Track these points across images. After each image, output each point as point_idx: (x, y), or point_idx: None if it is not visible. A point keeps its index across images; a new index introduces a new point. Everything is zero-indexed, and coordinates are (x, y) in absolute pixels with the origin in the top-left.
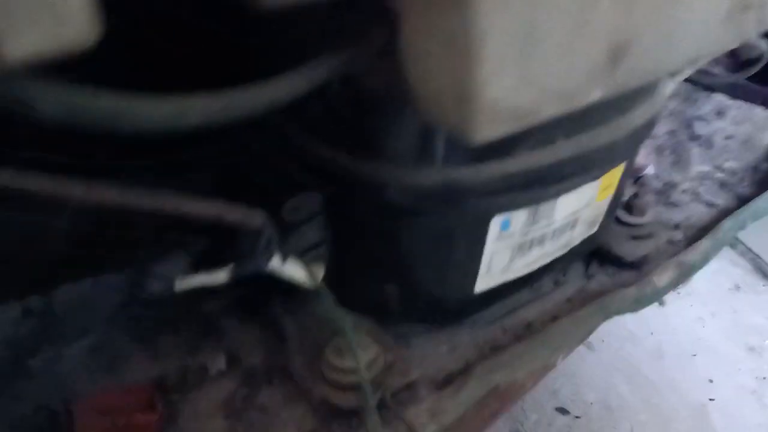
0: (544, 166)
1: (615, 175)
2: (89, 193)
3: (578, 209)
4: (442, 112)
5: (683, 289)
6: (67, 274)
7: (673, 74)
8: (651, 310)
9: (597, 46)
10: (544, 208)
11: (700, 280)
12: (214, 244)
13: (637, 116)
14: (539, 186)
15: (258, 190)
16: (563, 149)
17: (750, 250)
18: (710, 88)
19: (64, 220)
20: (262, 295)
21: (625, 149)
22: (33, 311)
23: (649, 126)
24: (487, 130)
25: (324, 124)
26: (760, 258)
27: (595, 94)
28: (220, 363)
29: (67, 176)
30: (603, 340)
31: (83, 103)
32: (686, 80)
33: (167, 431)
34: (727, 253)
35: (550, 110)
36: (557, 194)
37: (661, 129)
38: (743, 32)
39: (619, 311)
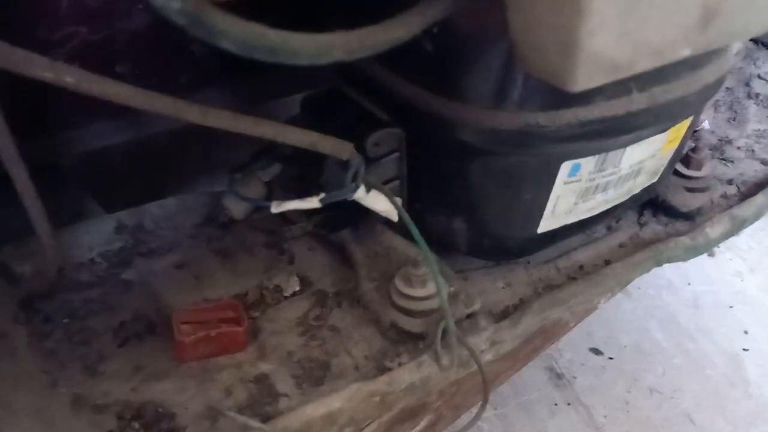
0: (617, 116)
1: (681, 129)
2: (204, 116)
3: (644, 159)
4: (544, 61)
5: (725, 244)
6: (155, 193)
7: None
8: (690, 262)
9: (691, 7)
10: (612, 156)
11: (741, 235)
12: (297, 172)
13: (708, 73)
14: (610, 135)
15: (342, 125)
16: (636, 101)
17: None
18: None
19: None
20: (339, 223)
21: (693, 105)
22: (126, 225)
23: (718, 83)
24: (586, 80)
25: (408, 63)
26: None
27: (685, 52)
28: (293, 284)
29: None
30: (639, 288)
31: (255, 37)
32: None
33: (251, 343)
34: None
35: (643, 65)
36: (626, 144)
37: None
38: None
39: (671, 259)
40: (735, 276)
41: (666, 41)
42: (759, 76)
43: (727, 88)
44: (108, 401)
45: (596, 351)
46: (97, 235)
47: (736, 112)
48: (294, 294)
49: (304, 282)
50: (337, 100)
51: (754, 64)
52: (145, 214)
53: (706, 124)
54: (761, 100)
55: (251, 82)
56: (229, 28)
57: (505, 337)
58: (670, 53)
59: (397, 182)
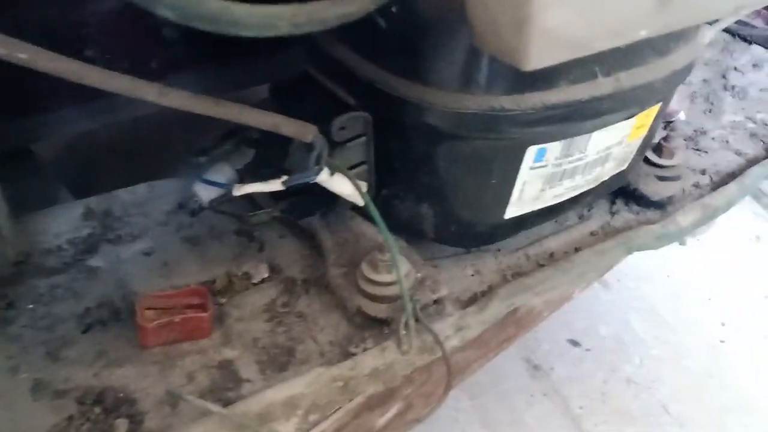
0: (583, 100)
1: (649, 115)
2: (163, 96)
3: (611, 145)
4: (498, 38)
5: (704, 237)
6: (124, 179)
7: (717, 20)
8: (670, 254)
9: None
10: (578, 141)
11: (721, 229)
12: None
13: (676, 59)
14: (576, 119)
15: (310, 109)
16: (602, 85)
17: None
18: (748, 40)
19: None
20: (306, 208)
21: (661, 91)
22: (94, 212)
23: (686, 70)
24: (540, 58)
25: (373, 46)
26: None
27: (643, 33)
28: (262, 272)
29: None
30: (619, 280)
31: (194, 4)
32: (725, 31)
33: (217, 330)
34: (750, 205)
35: (600, 44)
36: (592, 129)
37: (696, 77)
38: None
39: (642, 247)
40: (715, 268)
41: (623, 21)
42: (735, 68)
43: (703, 80)
44: (69, 386)
45: (574, 342)
46: (65, 221)
47: (712, 103)
48: (263, 281)
49: (274, 269)
50: (306, 84)
51: (731, 56)
52: (115, 201)
53: (682, 115)
54: (737, 92)
55: (225, 69)
56: None
57: (470, 323)
58: (627, 33)
59: (364, 167)
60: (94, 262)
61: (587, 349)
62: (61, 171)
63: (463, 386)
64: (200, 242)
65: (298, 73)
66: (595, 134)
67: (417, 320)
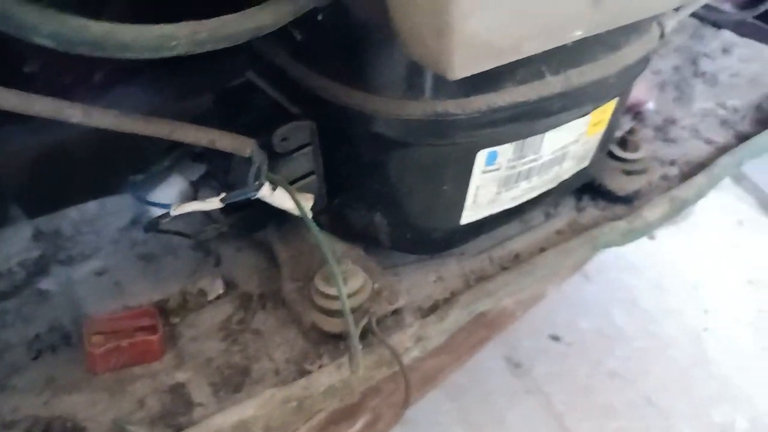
0: (531, 101)
1: (606, 111)
2: (88, 116)
3: (567, 144)
4: (422, 47)
5: (687, 224)
6: (74, 197)
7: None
8: (652, 243)
9: None
10: (530, 142)
11: (704, 214)
12: (211, 170)
13: (629, 53)
14: (526, 120)
15: (254, 119)
16: (551, 85)
17: (756, 186)
18: (717, 25)
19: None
20: (257, 222)
21: (616, 86)
22: (44, 232)
23: (641, 63)
24: (466, 65)
25: (315, 54)
26: (765, 194)
27: (577, 33)
28: (217, 288)
29: (68, 99)
30: (600, 272)
31: (75, 31)
32: (693, 16)
33: (169, 351)
34: (732, 188)
35: (530, 47)
36: (544, 129)
37: (666, 64)
38: None
39: (609, 244)
40: (698, 255)
41: (554, 22)
42: (705, 55)
43: (674, 66)
44: (17, 417)
45: (555, 337)
46: (15, 243)
47: (682, 91)
48: (218, 297)
49: (230, 284)
50: (250, 92)
51: (701, 41)
52: (64, 220)
53: (651, 105)
54: (708, 79)
55: (171, 78)
56: (43, 23)
57: (430, 332)
58: (560, 35)
59: (312, 177)
60: (45, 284)
61: (569, 344)
62: (11, 188)
63: (444, 388)
64: (154, 259)
65: (241, 80)
66: (549, 134)
67: (373, 334)
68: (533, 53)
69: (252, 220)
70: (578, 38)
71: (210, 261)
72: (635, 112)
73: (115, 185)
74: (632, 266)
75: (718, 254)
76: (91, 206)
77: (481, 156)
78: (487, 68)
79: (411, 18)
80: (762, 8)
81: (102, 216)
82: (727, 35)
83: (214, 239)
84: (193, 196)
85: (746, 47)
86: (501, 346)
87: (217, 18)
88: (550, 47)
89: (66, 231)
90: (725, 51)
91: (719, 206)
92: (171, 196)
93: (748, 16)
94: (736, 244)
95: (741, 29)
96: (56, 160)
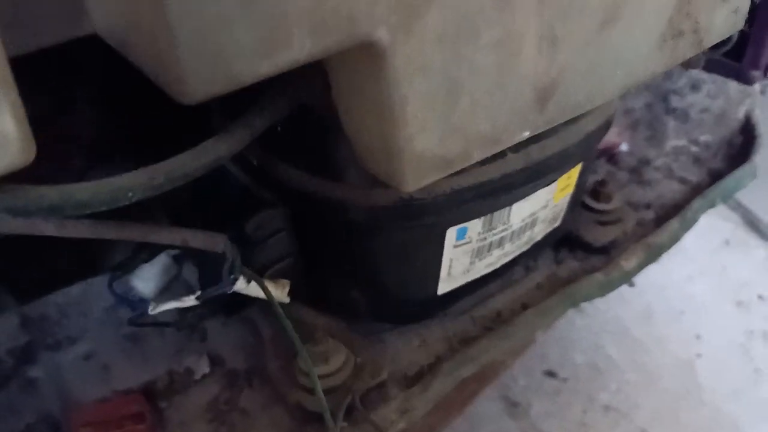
0: (494, 179)
1: (572, 176)
2: (62, 228)
3: (536, 211)
4: (375, 163)
5: (674, 246)
6: (59, 280)
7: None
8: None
9: (522, 92)
10: (498, 215)
11: (690, 236)
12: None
13: (589, 122)
14: (491, 197)
15: (226, 206)
16: (513, 162)
17: (740, 204)
18: (683, 65)
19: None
20: (237, 305)
21: (578, 154)
22: (30, 318)
23: (602, 128)
24: (417, 179)
25: (284, 146)
26: (750, 212)
27: (525, 134)
28: (204, 366)
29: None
30: (591, 303)
31: (31, 200)
32: None
33: None
34: (717, 208)
35: (479, 154)
36: (511, 202)
37: (638, 102)
38: (677, 57)
39: (588, 297)
40: (685, 279)
41: (500, 129)
42: (674, 92)
43: (646, 104)
44: None
45: (550, 373)
46: (3, 332)
47: (655, 129)
48: (204, 376)
49: (216, 360)
50: (222, 178)
51: (670, 79)
52: (49, 304)
53: (624, 146)
54: (678, 115)
55: (159, 152)
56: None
57: (415, 404)
58: (507, 138)
59: (289, 259)
60: (34, 372)
61: (564, 379)
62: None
63: None
64: (141, 338)
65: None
66: (516, 205)
67: (357, 410)
68: (483, 158)
69: (232, 305)
70: (525, 138)
71: (195, 337)
72: (609, 155)
73: (101, 264)
74: (620, 295)
75: (706, 277)
76: (76, 287)
77: (451, 232)
78: (441, 176)
79: (363, 139)
80: (729, 45)
81: (87, 297)
82: (694, 72)
83: (184, 329)
84: (177, 271)
85: (713, 83)
86: (497, 386)
87: (173, 158)
88: (500, 150)
89: (52, 315)
90: (694, 87)
91: (705, 226)
92: (154, 276)
93: (716, 55)
94: (723, 265)
95: (707, 66)
96: (43, 242)
